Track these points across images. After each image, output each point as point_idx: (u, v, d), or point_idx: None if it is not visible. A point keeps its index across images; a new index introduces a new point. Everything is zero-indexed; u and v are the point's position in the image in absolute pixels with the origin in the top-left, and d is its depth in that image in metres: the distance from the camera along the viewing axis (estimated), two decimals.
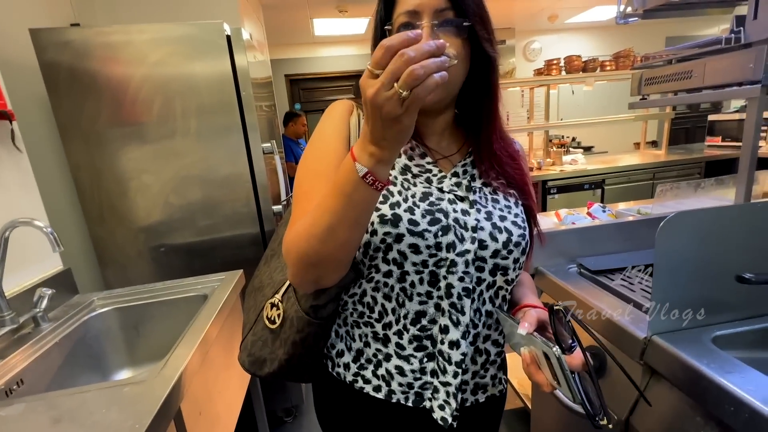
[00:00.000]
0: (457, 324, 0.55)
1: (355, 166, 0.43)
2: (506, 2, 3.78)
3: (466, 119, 0.63)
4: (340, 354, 0.62)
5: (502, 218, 0.58)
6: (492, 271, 0.57)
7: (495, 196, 0.61)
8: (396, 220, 0.54)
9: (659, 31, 5.02)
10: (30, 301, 0.95)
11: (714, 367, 0.62)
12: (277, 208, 1.52)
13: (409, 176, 0.59)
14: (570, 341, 0.50)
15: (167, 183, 1.40)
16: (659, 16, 1.49)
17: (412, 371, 0.58)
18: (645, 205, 1.39)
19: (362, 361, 0.60)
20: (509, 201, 0.61)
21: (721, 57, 1.08)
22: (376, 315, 0.59)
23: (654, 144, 4.56)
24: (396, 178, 0.58)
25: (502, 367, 0.65)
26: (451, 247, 0.54)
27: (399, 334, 0.58)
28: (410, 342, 0.57)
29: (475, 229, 0.56)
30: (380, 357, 0.59)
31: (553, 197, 2.86)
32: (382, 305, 0.58)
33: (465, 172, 0.61)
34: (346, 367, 0.61)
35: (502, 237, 0.57)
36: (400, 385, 0.58)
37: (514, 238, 0.57)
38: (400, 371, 0.58)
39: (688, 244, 0.70)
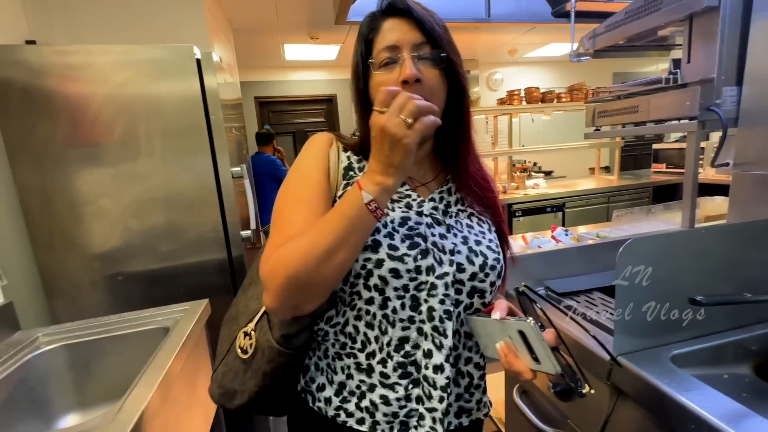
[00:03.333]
0: (440, 347, 0.56)
1: (361, 194, 0.48)
2: (470, 36, 4.01)
3: (442, 147, 0.65)
4: (321, 388, 0.61)
5: (478, 242, 0.61)
6: (470, 294, 0.59)
7: (469, 222, 0.63)
8: (376, 245, 0.55)
9: (608, 67, 5.49)
10: None
11: (674, 386, 0.65)
12: (245, 233, 1.48)
13: (388, 203, 0.60)
14: (539, 322, 0.53)
15: (128, 207, 1.33)
16: (607, 56, 1.64)
17: (397, 399, 0.57)
18: (603, 229, 1.48)
19: (345, 394, 0.60)
20: (483, 227, 0.64)
21: (662, 95, 1.20)
22: (358, 345, 0.59)
23: (607, 169, 4.89)
24: None
25: (486, 390, 0.67)
26: (430, 270, 0.56)
27: (383, 362, 0.57)
28: (394, 369, 0.57)
29: (453, 252, 0.58)
30: (364, 388, 0.58)
31: (518, 220, 2.97)
32: (365, 334, 0.58)
33: (441, 198, 0.63)
34: (328, 401, 0.60)
35: (479, 260, 0.59)
36: (385, 415, 0.58)
37: (490, 262, 0.60)
38: (385, 401, 0.58)
39: (645, 267, 0.74)
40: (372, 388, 0.58)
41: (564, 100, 3.26)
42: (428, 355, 0.56)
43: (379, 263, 0.55)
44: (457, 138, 0.62)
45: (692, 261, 0.76)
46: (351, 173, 0.63)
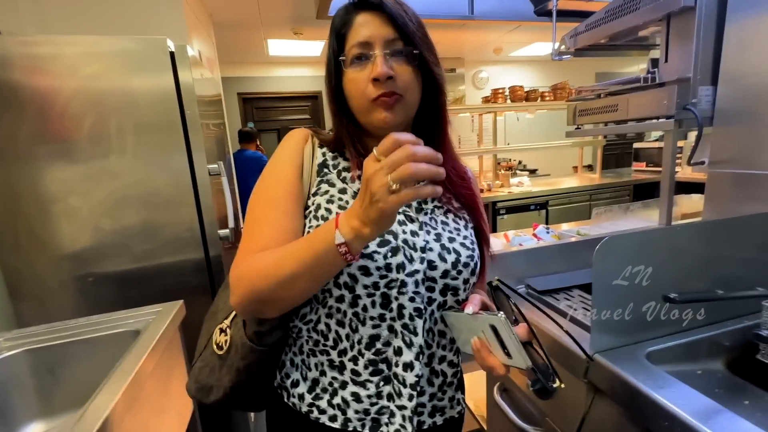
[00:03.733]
0: (410, 345, 0.56)
1: (335, 233, 0.46)
2: (456, 34, 4.01)
3: None
4: (295, 384, 0.62)
5: (451, 239, 0.60)
6: (442, 291, 0.59)
7: (444, 219, 0.62)
8: None
9: (590, 67, 5.58)
10: None
11: (649, 383, 0.65)
12: (223, 232, 1.44)
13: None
14: (513, 317, 0.54)
15: (98, 206, 1.28)
16: (588, 55, 1.65)
17: (369, 396, 0.58)
18: (583, 227, 1.49)
19: (318, 390, 0.60)
20: (458, 223, 0.63)
21: (641, 94, 1.21)
22: (330, 342, 0.59)
23: (590, 168, 4.97)
24: (347, 202, 0.59)
25: (460, 387, 0.66)
26: (400, 267, 0.55)
27: (354, 360, 0.58)
28: (366, 367, 0.58)
29: (424, 250, 0.57)
30: (336, 385, 0.59)
31: (502, 218, 2.99)
32: (336, 332, 0.58)
33: None
34: (301, 397, 0.61)
35: (451, 258, 0.58)
36: (356, 412, 0.58)
37: (463, 259, 0.59)
38: (356, 398, 0.58)
39: (621, 265, 0.75)
40: (344, 385, 0.58)
41: (548, 98, 3.29)
42: (398, 352, 0.56)
43: None
44: (432, 136, 0.62)
45: (668, 258, 0.77)
46: (325, 170, 0.62)
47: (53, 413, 0.98)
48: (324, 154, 0.63)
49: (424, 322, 0.57)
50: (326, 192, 0.60)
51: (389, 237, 0.56)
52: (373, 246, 0.55)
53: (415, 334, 0.56)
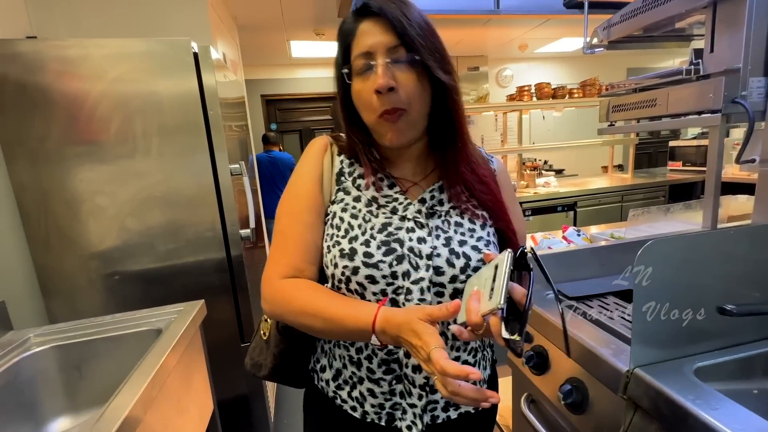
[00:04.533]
0: None
1: (372, 335, 0.52)
2: (479, 31, 3.93)
3: (436, 144, 0.64)
4: (323, 369, 0.67)
5: (462, 243, 0.59)
6: (453, 296, 0.59)
7: (459, 220, 0.62)
8: (352, 253, 0.57)
9: (621, 63, 5.35)
10: None
11: (699, 403, 0.59)
12: (245, 232, 1.44)
13: (373, 208, 0.61)
14: (528, 284, 0.51)
15: (124, 205, 1.30)
16: (622, 47, 1.56)
17: (383, 393, 0.61)
18: (618, 229, 1.40)
19: (340, 381, 0.64)
20: (474, 224, 0.62)
21: (682, 87, 1.12)
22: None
23: (620, 168, 4.77)
24: (360, 210, 0.61)
25: (475, 383, 0.63)
26: (406, 275, 0.57)
27: (369, 358, 0.61)
28: (379, 366, 0.60)
29: (430, 257, 0.57)
30: (355, 380, 0.62)
31: (528, 219, 2.89)
32: None
33: (433, 197, 0.62)
34: (327, 383, 0.66)
35: (460, 262, 0.58)
36: (373, 406, 0.62)
37: (473, 263, 0.58)
38: (372, 393, 0.61)
39: (665, 272, 0.68)
40: (361, 380, 0.62)
41: (576, 95, 3.17)
42: (408, 354, 0.58)
43: (355, 270, 0.57)
44: (447, 140, 0.62)
45: (718, 265, 0.70)
46: (342, 178, 0.64)
47: (79, 409, 1.00)
48: (342, 162, 0.65)
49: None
50: (342, 200, 0.62)
51: (395, 245, 0.57)
52: (378, 255, 0.57)
53: None
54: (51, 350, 0.98)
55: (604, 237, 1.32)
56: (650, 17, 1.23)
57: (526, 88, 3.10)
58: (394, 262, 0.56)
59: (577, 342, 0.84)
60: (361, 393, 0.62)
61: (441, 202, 0.62)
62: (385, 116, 0.55)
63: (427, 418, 0.60)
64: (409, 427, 0.59)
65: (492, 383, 0.73)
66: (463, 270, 0.58)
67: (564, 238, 1.35)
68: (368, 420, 0.62)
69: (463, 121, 0.61)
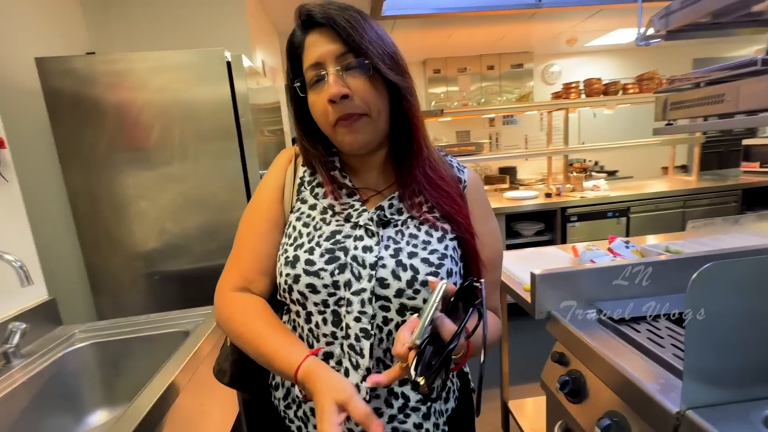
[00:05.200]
0: (356, 367, 0.54)
1: (296, 386, 0.52)
2: (523, 26, 3.75)
3: (398, 152, 0.62)
4: (276, 387, 0.66)
5: (412, 255, 0.56)
6: (400, 311, 0.55)
7: (415, 232, 0.59)
8: (295, 261, 0.56)
9: (686, 53, 4.86)
10: (4, 336, 0.91)
11: None
12: None
13: (328, 216, 0.60)
14: (461, 317, 0.47)
15: (164, 209, 1.37)
16: (684, 38, 1.38)
17: None
18: (675, 242, 1.25)
19: (288, 400, 0.63)
20: (431, 235, 0.58)
21: (758, 80, 0.97)
22: None
23: (684, 169, 4.33)
24: (313, 218, 0.60)
25: (430, 416, 0.59)
26: (347, 285, 0.54)
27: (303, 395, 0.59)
28: None
29: (374, 267, 0.54)
30: (300, 399, 0.60)
31: (573, 225, 2.70)
32: None
33: (392, 206, 0.60)
34: (279, 401, 0.65)
35: (406, 275, 0.54)
36: (315, 427, 0.58)
37: (421, 277, 0.55)
38: (314, 413, 0.58)
39: (730, 299, 0.58)
40: (305, 399, 0.57)
41: (631, 91, 2.90)
42: (346, 374, 0.55)
43: (297, 279, 0.55)
44: (403, 144, 0.60)
45: None
46: (302, 188, 0.64)
47: (116, 403, 1.06)
48: (305, 172, 0.64)
49: (379, 342, 0.55)
50: (299, 209, 0.62)
51: (339, 253, 0.55)
52: (320, 263, 0.55)
53: (362, 355, 0.53)
54: (92, 346, 1.05)
55: (659, 250, 1.18)
56: (720, 1, 1.08)
57: (573, 85, 2.89)
58: (336, 271, 0.54)
59: (619, 372, 0.75)
60: (305, 412, 0.60)
61: (400, 212, 0.60)
62: (339, 122, 0.54)
63: None
64: None
65: (460, 415, 0.66)
66: (410, 284, 0.54)
67: (610, 250, 1.22)
68: None
69: (419, 124, 0.59)
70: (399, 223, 0.59)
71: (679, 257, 1.04)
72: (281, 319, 0.63)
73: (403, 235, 0.58)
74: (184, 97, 1.32)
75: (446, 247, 0.58)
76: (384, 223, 0.58)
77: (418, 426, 0.58)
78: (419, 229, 0.58)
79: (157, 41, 1.93)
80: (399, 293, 0.54)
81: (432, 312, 0.45)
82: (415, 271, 0.55)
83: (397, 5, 2.60)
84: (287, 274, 0.56)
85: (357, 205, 0.60)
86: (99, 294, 1.38)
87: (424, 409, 0.58)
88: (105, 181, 1.33)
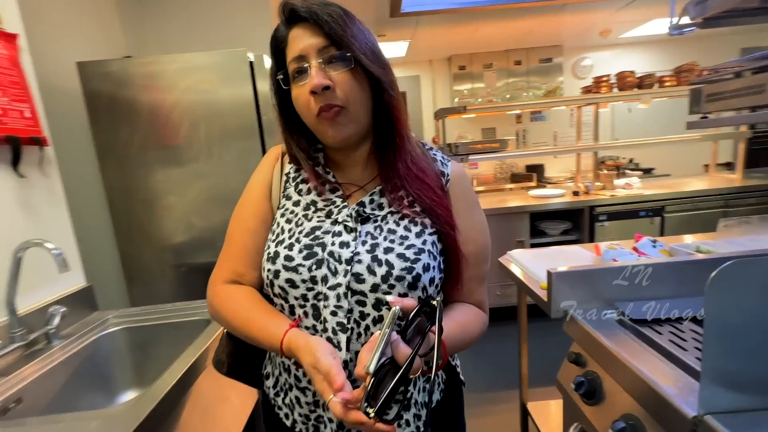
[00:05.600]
0: None
1: (281, 351, 0.54)
2: (553, 19, 3.63)
3: (381, 147, 0.62)
4: (268, 376, 0.69)
5: (388, 250, 0.57)
6: (375, 306, 0.56)
7: (394, 227, 0.59)
8: (275, 257, 0.58)
9: (733, 42, 4.53)
10: (45, 318, 0.99)
11: None
12: None
13: (310, 212, 0.61)
14: (419, 341, 0.48)
15: (190, 204, 1.44)
16: (723, 25, 1.29)
17: (307, 403, 0.61)
18: (707, 242, 1.18)
19: (278, 388, 0.66)
20: (410, 230, 0.59)
21: None
22: None
23: (728, 166, 4.05)
24: (296, 214, 0.62)
25: (409, 407, 0.61)
26: (324, 280, 0.56)
27: (296, 366, 0.60)
28: (304, 375, 0.60)
29: (349, 262, 0.56)
30: (287, 386, 0.63)
31: (602, 225, 2.59)
32: None
33: (372, 201, 0.61)
34: (269, 389, 0.68)
35: (381, 270, 0.55)
36: (300, 415, 0.62)
37: (396, 272, 0.55)
38: (298, 401, 0.62)
39: (753, 299, 0.55)
40: (291, 387, 0.62)
41: (668, 84, 2.75)
42: None
43: (276, 274, 0.57)
44: (386, 137, 0.61)
45: None
46: (287, 185, 0.65)
47: (144, 385, 1.12)
48: (291, 169, 0.66)
49: (357, 336, 0.56)
50: (284, 206, 0.64)
51: (317, 249, 0.57)
52: (299, 259, 0.57)
53: (339, 348, 0.55)
54: (123, 331, 1.12)
55: (689, 250, 1.12)
56: None
57: (605, 78, 2.77)
58: (314, 266, 0.56)
59: (636, 374, 0.72)
60: (291, 400, 0.63)
61: (381, 207, 0.61)
62: (322, 114, 0.55)
63: None
64: None
65: (446, 407, 0.68)
66: (384, 279, 0.55)
67: (635, 249, 1.17)
68: (297, 430, 0.62)
69: (401, 117, 0.59)
70: (379, 218, 0.60)
71: (709, 257, 0.98)
72: None
73: (381, 230, 0.59)
74: (209, 97, 1.38)
75: (424, 242, 0.58)
76: (363, 219, 0.59)
77: (397, 416, 0.59)
78: (398, 224, 0.59)
79: (188, 44, 2.02)
80: (374, 288, 0.55)
81: (384, 340, 0.46)
82: (390, 266, 0.55)
83: (420, 1, 2.58)
84: (268, 270, 0.58)
85: (338, 201, 0.61)
86: (132, 283, 1.47)
87: (406, 402, 0.60)
88: (138, 177, 1.42)
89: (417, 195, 0.59)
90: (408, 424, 0.60)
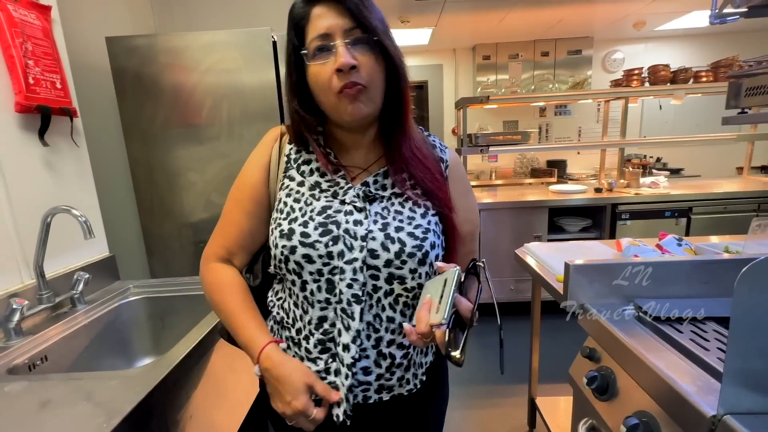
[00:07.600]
0: (348, 329, 0.59)
1: (255, 366, 0.61)
2: (585, 8, 3.49)
3: (386, 131, 0.65)
4: None
5: (398, 229, 0.61)
6: (388, 280, 0.60)
7: (400, 208, 0.63)
8: (290, 233, 0.60)
9: None
10: (71, 283, 1.03)
11: None
12: None
13: (316, 192, 0.64)
14: (474, 294, 0.57)
15: (210, 182, 1.46)
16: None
17: (318, 372, 0.63)
18: (736, 242, 1.13)
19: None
20: (415, 212, 0.63)
21: None
22: (290, 320, 0.65)
23: (763, 170, 3.86)
24: (303, 195, 0.64)
25: (410, 368, 0.66)
26: (340, 255, 0.59)
27: (306, 338, 0.63)
28: (315, 346, 0.63)
29: (364, 239, 0.59)
30: (296, 359, 0.65)
31: (624, 223, 2.52)
32: (294, 311, 0.65)
33: (376, 182, 0.64)
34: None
35: (394, 247, 0.59)
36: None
37: (408, 249, 0.60)
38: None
39: None
40: (301, 360, 0.64)
41: (704, 80, 2.62)
42: (339, 334, 0.60)
43: (293, 250, 0.59)
44: (395, 120, 0.63)
45: None
46: (288, 165, 0.66)
47: (161, 352, 1.16)
48: (291, 150, 0.67)
49: (369, 308, 0.60)
50: (287, 186, 0.65)
51: (332, 227, 0.60)
52: (315, 235, 0.59)
53: (353, 318, 0.59)
54: (142, 300, 1.16)
55: (716, 250, 1.07)
56: None
57: (636, 72, 2.66)
58: (330, 243, 0.59)
59: (652, 370, 0.70)
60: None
61: (384, 187, 0.64)
62: (345, 91, 0.56)
63: (359, 398, 0.63)
64: (338, 404, 0.61)
65: (436, 367, 0.72)
66: (397, 255, 0.59)
67: (658, 246, 1.13)
68: None
69: (409, 104, 0.63)
70: (384, 199, 0.63)
71: (736, 257, 0.94)
72: (274, 289, 0.70)
73: (389, 211, 0.63)
74: (232, 77, 1.39)
75: (429, 222, 0.63)
76: (370, 199, 0.62)
77: (400, 378, 0.65)
78: (403, 206, 0.63)
79: (213, 22, 2.03)
80: (388, 263, 0.59)
81: (452, 295, 0.52)
82: (402, 243, 0.60)
83: None
84: (284, 246, 0.60)
85: (342, 182, 0.64)
86: (152, 255, 1.52)
87: (405, 362, 0.65)
88: (161, 153, 1.45)
89: (420, 179, 0.63)
90: (408, 382, 0.66)
